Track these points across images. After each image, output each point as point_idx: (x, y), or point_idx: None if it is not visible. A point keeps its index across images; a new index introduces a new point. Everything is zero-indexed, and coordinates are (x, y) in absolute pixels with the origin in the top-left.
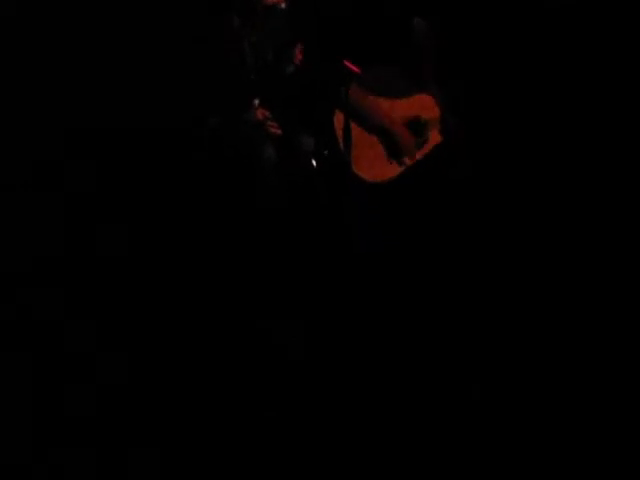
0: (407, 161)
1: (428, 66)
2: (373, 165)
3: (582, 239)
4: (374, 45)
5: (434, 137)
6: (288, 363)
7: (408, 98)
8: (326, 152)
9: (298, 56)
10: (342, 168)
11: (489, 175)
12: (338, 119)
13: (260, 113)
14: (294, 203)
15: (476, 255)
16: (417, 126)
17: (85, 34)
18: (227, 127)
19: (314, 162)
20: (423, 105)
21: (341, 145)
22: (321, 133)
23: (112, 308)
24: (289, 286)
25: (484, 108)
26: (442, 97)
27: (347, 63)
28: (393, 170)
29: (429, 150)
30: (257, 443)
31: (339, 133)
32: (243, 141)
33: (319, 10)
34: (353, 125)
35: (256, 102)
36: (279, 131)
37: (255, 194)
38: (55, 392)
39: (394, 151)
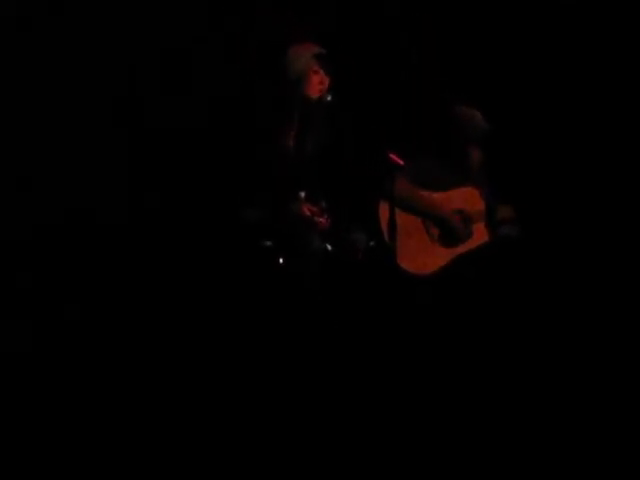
0: (458, 249)
1: (475, 159)
2: (417, 256)
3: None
4: (419, 137)
5: (479, 232)
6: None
7: (453, 191)
8: (372, 243)
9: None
10: (387, 259)
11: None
12: (383, 211)
13: (306, 208)
14: (341, 294)
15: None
16: (462, 219)
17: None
18: (273, 219)
19: (360, 253)
20: (467, 198)
21: (386, 236)
22: (368, 225)
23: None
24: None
25: (527, 202)
26: (488, 191)
27: (392, 156)
28: (437, 262)
29: (475, 246)
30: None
31: (384, 225)
32: (290, 233)
33: (364, 103)
34: (399, 215)
35: (302, 195)
36: (326, 223)
37: (303, 283)
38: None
39: (447, 239)
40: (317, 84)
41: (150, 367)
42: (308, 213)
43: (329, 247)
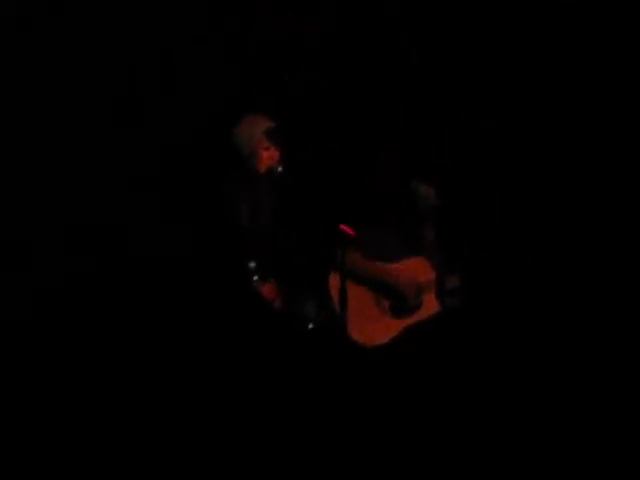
0: (409, 320)
1: (427, 230)
2: (368, 327)
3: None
4: (369, 208)
5: (429, 302)
6: None
7: (404, 261)
8: (322, 315)
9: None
10: (338, 330)
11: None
12: (334, 282)
13: (265, 289)
14: (291, 363)
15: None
16: (415, 289)
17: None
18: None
19: (310, 325)
20: (418, 268)
21: (337, 307)
22: (318, 296)
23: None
24: None
25: (482, 270)
26: (439, 261)
27: (343, 227)
28: (388, 333)
29: (425, 316)
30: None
31: (335, 296)
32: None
33: (314, 174)
34: (350, 286)
35: (252, 265)
36: (276, 297)
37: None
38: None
39: (397, 310)
40: (267, 159)
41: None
42: (268, 295)
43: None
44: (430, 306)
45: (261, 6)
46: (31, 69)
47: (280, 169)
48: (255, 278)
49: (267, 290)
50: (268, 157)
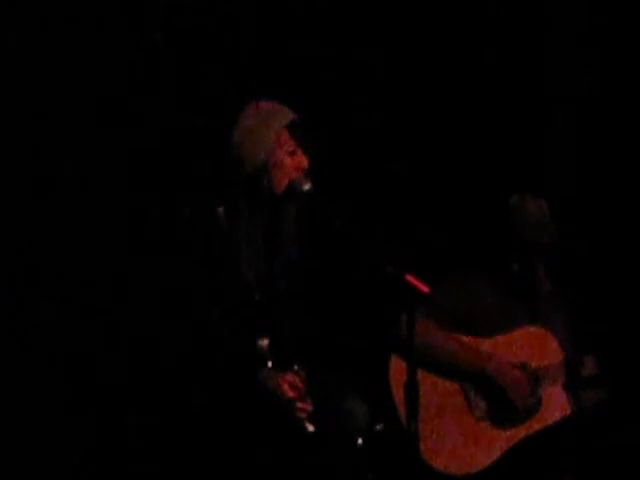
0: (521, 431)
1: (541, 274)
2: (456, 447)
3: None
4: (447, 243)
5: (555, 400)
6: None
7: (509, 334)
8: (379, 427)
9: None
10: (405, 452)
11: None
12: (397, 372)
13: (287, 385)
14: None
15: None
16: (527, 379)
17: None
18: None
19: (360, 441)
20: (534, 346)
21: (402, 415)
22: (371, 396)
23: None
24: None
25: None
26: (567, 336)
27: (410, 278)
28: (488, 454)
29: (548, 424)
30: None
31: (399, 395)
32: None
33: (361, 193)
34: (423, 379)
35: (264, 343)
36: (309, 406)
37: None
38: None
39: (501, 415)
40: (292, 170)
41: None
42: (290, 394)
43: (310, 428)
44: (556, 407)
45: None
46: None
47: (307, 186)
48: (269, 365)
49: (288, 384)
50: (293, 166)
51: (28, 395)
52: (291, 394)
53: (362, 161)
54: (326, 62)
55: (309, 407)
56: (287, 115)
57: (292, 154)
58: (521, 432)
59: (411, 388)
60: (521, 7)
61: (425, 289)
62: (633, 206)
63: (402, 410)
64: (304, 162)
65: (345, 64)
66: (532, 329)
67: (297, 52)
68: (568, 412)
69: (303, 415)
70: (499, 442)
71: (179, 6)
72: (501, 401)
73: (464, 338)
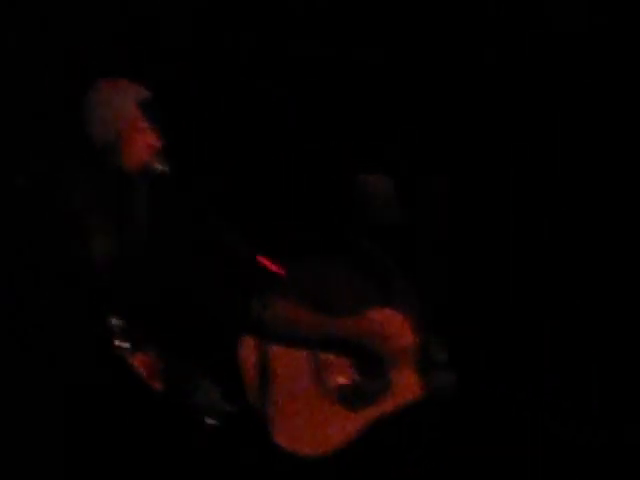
0: (371, 412)
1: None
2: (306, 426)
3: None
4: (302, 225)
5: (405, 381)
6: None
7: (361, 315)
8: (228, 407)
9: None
10: (256, 434)
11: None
12: (247, 351)
13: (139, 361)
14: None
15: None
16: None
17: None
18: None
19: (210, 421)
20: (385, 326)
21: (252, 394)
22: (220, 375)
23: None
24: None
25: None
26: (418, 313)
27: (263, 260)
28: (338, 434)
29: (398, 404)
30: None
31: (250, 374)
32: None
33: (213, 172)
34: (275, 357)
35: (114, 322)
36: (153, 375)
37: None
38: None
39: (352, 394)
40: (141, 150)
41: None
42: (142, 371)
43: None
44: (407, 389)
45: None
46: None
47: (160, 167)
48: (120, 344)
49: (140, 363)
50: (144, 146)
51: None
52: (142, 372)
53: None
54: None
55: (160, 387)
56: (139, 92)
57: (141, 132)
58: (372, 413)
59: (263, 368)
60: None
61: (278, 270)
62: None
63: (252, 390)
64: (156, 141)
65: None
66: (384, 311)
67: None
68: (418, 394)
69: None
70: (352, 422)
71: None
72: (366, 358)
73: (317, 315)
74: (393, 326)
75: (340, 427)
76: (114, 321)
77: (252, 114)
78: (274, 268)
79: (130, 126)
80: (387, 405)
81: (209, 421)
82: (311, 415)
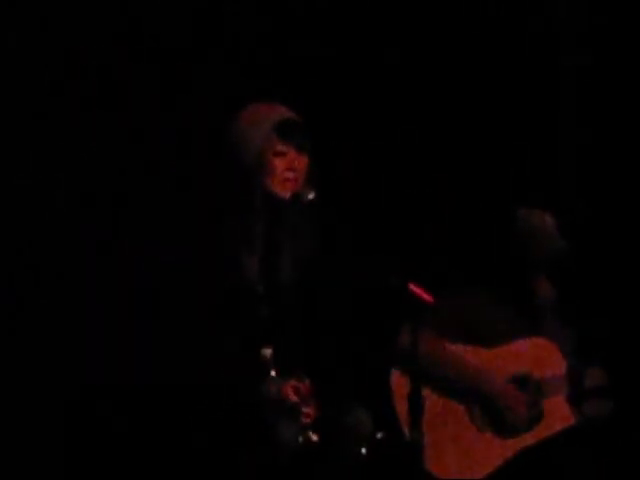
0: (522, 441)
1: (546, 292)
2: (458, 456)
3: None
4: (449, 254)
5: (557, 411)
6: None
7: (512, 344)
8: (380, 435)
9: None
10: (408, 461)
11: None
12: (399, 382)
13: (291, 389)
14: None
15: None
16: (526, 390)
17: None
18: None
19: (364, 451)
20: (535, 356)
21: (405, 425)
22: (373, 405)
23: None
24: None
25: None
26: (569, 341)
27: (415, 289)
28: (489, 463)
29: (548, 434)
30: None
31: (401, 405)
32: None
33: (367, 203)
34: (426, 390)
35: (267, 352)
36: (313, 411)
37: None
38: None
39: (502, 426)
40: (283, 172)
41: None
42: (294, 398)
43: (314, 437)
44: (558, 418)
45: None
46: None
47: (311, 194)
48: (272, 374)
49: (292, 389)
50: (284, 167)
51: (28, 395)
52: (295, 398)
53: (365, 166)
54: (326, 62)
55: (313, 412)
56: (277, 115)
57: (282, 155)
58: (522, 442)
59: (415, 399)
60: (521, 7)
61: (429, 299)
62: None
63: (404, 420)
64: (298, 163)
65: (345, 64)
66: (534, 340)
67: (297, 52)
68: (571, 423)
69: (307, 421)
70: (500, 451)
71: (179, 6)
72: (500, 419)
73: (465, 347)
74: (545, 354)
75: (489, 455)
76: (265, 350)
77: (405, 137)
78: (425, 297)
79: (267, 148)
80: (537, 434)
81: (362, 451)
82: (461, 443)
